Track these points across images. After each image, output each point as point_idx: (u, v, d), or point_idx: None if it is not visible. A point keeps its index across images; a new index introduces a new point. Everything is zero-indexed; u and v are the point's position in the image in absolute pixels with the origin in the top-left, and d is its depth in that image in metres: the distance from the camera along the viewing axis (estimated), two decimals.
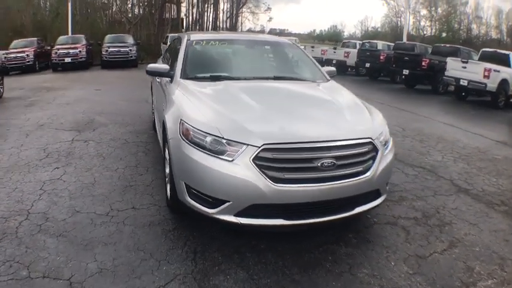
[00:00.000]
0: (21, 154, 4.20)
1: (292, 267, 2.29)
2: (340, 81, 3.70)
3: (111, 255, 2.34)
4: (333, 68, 3.91)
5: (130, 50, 15.88)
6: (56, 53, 14.59)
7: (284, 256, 2.40)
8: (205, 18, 32.19)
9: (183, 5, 29.80)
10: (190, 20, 31.51)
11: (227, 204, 2.23)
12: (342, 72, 14.57)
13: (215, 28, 31.45)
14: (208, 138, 2.29)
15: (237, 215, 2.24)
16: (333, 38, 54.17)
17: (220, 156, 2.23)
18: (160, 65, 3.62)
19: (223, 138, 2.25)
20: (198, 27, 30.76)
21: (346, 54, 16.00)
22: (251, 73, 3.43)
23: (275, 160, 2.20)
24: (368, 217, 2.96)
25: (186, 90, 2.98)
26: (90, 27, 22.89)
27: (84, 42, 15.92)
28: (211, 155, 2.24)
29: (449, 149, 5.12)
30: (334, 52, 16.96)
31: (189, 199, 2.41)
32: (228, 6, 33.80)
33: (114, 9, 28.09)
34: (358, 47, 16.42)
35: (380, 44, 15.94)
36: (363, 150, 2.44)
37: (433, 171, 4.18)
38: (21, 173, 3.65)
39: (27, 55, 14.48)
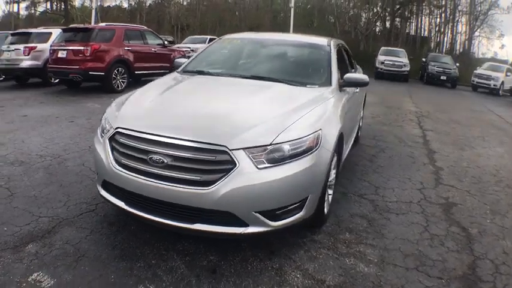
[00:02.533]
0: None
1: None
2: None
3: None
4: (363, 77, 3.27)
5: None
6: None
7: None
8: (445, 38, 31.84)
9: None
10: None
11: (96, 176, 2.56)
12: None
13: (452, 50, 29.97)
14: (103, 121, 2.59)
15: (101, 186, 2.50)
16: None
17: (100, 136, 2.50)
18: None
19: (107, 120, 2.52)
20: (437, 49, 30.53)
21: None
22: (238, 71, 3.42)
23: (121, 144, 2.29)
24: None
25: (162, 80, 3.32)
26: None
27: None
28: (100, 136, 2.52)
29: None
30: None
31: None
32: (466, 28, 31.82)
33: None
34: None
35: None
36: (207, 157, 2.08)
37: None
38: None
39: None
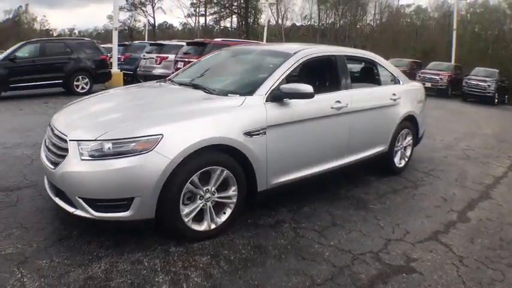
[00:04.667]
0: None
1: None
2: None
3: None
4: (303, 88, 2.82)
5: (489, 85, 14.91)
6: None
7: None
8: None
9: None
10: None
11: None
12: None
13: None
14: None
15: None
16: None
17: None
18: None
19: None
20: None
21: None
22: (191, 79, 3.52)
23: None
24: None
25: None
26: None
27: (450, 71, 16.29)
28: None
29: None
30: None
31: None
32: None
33: None
34: None
35: None
36: (60, 144, 2.48)
37: None
38: None
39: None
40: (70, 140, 2.40)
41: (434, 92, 15.35)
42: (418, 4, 44.53)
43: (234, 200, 2.72)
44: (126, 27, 50.11)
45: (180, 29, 53.52)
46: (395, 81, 4.32)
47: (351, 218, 3.18)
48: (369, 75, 4.07)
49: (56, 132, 2.61)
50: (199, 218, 2.61)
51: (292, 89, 2.88)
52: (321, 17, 45.34)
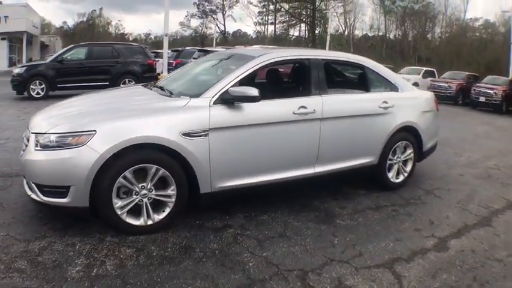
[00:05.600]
0: None
1: None
2: None
3: None
4: (247, 92, 2.80)
5: (495, 93, 14.26)
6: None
7: None
8: None
9: None
10: None
11: None
12: None
13: None
14: None
15: None
16: None
17: None
18: None
19: None
20: None
21: None
22: (164, 84, 3.66)
23: None
24: None
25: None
26: None
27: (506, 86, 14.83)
28: None
29: None
30: None
31: None
32: None
33: None
34: None
35: None
36: (28, 137, 2.77)
37: None
38: None
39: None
40: (31, 133, 2.73)
41: (489, 106, 14.46)
42: (486, 18, 42.59)
43: (173, 199, 2.77)
44: (198, 34, 53.25)
45: (253, 37, 55.02)
46: (391, 88, 3.95)
47: (306, 231, 3.00)
48: (354, 81, 3.79)
49: (28, 127, 2.95)
50: (138, 213, 2.71)
51: (239, 92, 2.85)
52: (388, 27, 44.38)
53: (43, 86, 9.72)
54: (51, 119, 2.86)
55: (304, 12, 45.44)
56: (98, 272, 2.29)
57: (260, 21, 50.83)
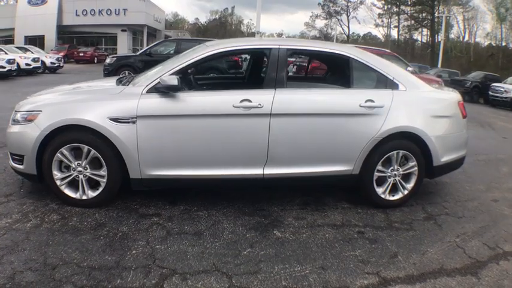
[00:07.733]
0: None
1: None
2: None
3: None
4: (169, 80, 2.77)
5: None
6: None
7: None
8: None
9: None
10: None
11: None
12: None
13: None
14: None
15: None
16: None
17: None
18: None
19: None
20: None
21: None
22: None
23: None
24: None
25: None
26: None
27: None
28: None
29: None
30: None
31: None
32: None
33: None
34: None
35: None
36: None
37: None
38: None
39: None
40: (14, 111, 3.31)
41: None
42: None
43: (105, 179, 2.96)
44: (322, 35, 52.92)
45: (383, 40, 52.33)
46: (387, 85, 3.17)
47: (226, 235, 2.75)
48: (333, 75, 3.21)
49: None
50: (77, 187, 3.03)
51: (163, 81, 2.83)
52: (506, 36, 37.52)
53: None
54: (28, 100, 3.35)
55: (422, 16, 41.94)
56: (17, 226, 2.68)
57: (380, 23, 47.65)
